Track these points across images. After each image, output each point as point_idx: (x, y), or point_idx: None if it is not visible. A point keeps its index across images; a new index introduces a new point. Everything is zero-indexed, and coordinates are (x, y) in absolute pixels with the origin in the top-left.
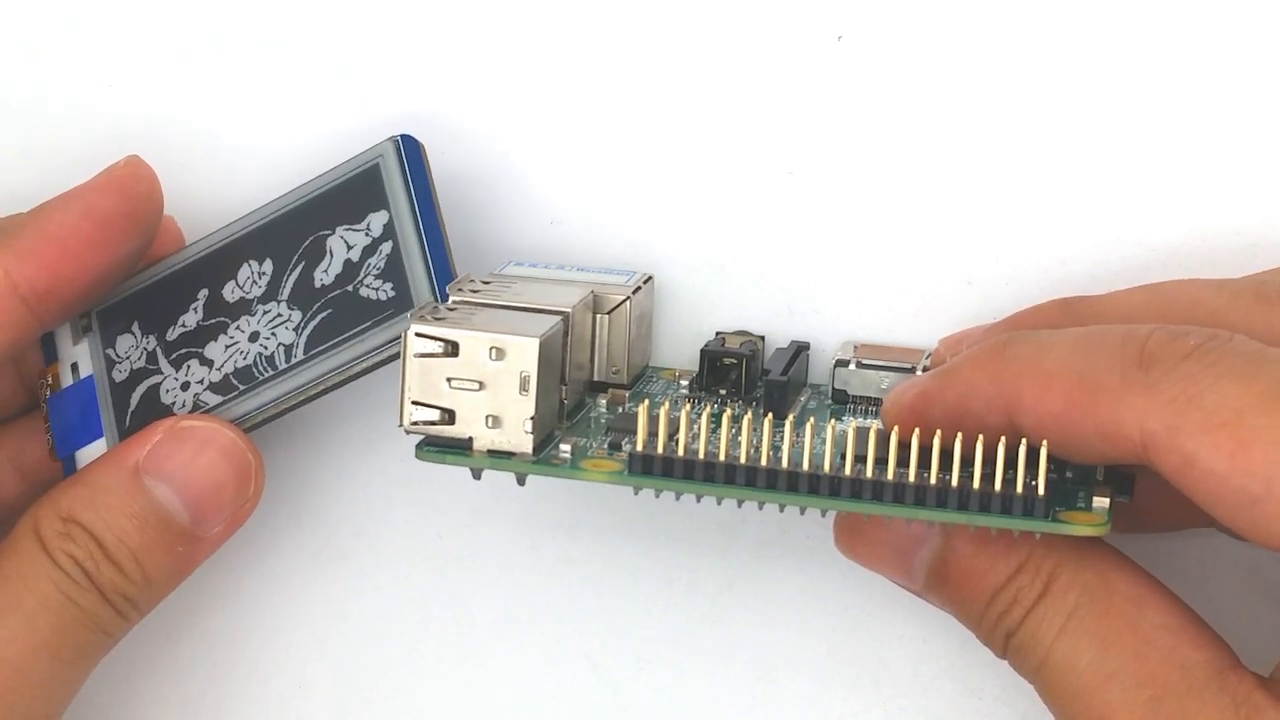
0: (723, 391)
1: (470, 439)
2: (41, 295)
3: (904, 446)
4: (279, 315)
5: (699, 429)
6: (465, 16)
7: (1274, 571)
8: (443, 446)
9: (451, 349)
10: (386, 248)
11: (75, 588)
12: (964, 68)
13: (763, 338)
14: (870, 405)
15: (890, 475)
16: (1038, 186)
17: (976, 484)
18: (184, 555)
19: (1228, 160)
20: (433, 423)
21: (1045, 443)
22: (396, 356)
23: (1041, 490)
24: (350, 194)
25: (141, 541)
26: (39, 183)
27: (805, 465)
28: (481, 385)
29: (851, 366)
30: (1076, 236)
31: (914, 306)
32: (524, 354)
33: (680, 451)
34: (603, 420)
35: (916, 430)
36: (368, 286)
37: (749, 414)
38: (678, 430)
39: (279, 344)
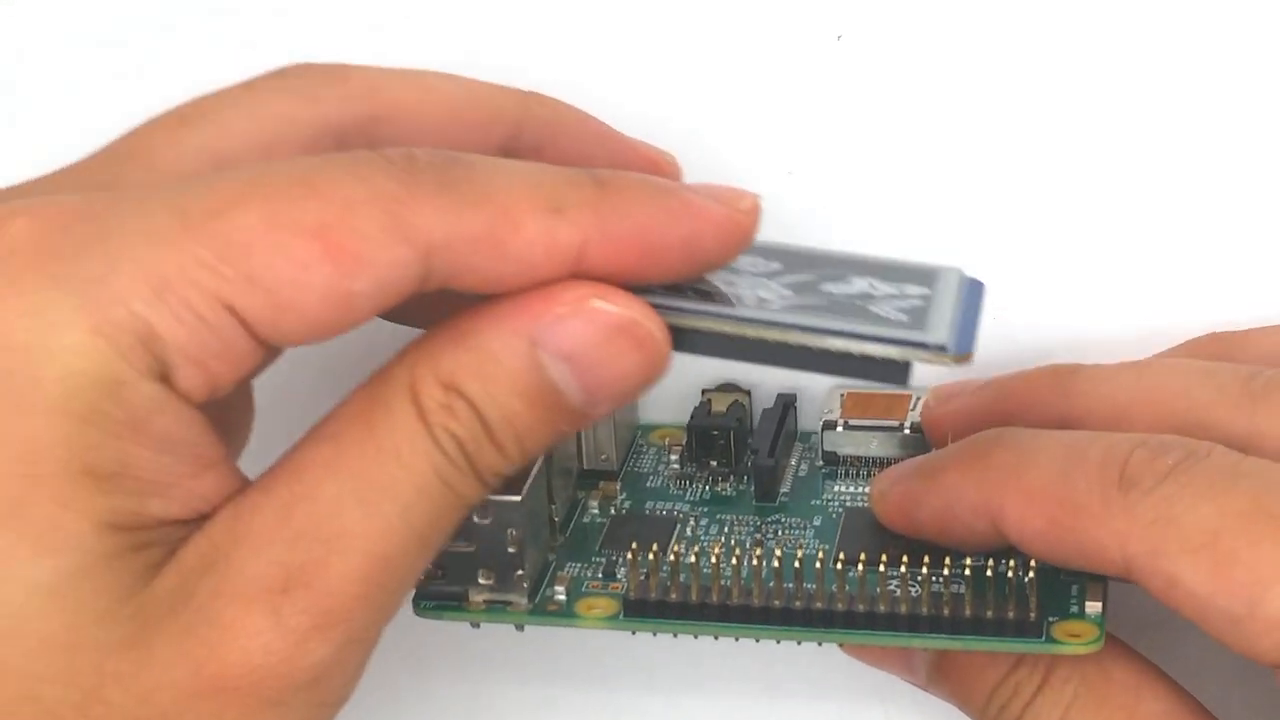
0: (713, 463)
1: (465, 592)
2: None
3: (895, 542)
4: (766, 285)
5: (693, 541)
6: (466, 12)
7: None
8: (439, 601)
9: None
10: (916, 301)
11: (454, 471)
12: (965, 67)
13: (748, 392)
14: (861, 466)
15: (883, 605)
16: (1039, 187)
17: (968, 609)
18: (566, 433)
19: (1230, 173)
20: (427, 579)
21: (1033, 569)
22: (884, 366)
23: (1033, 614)
24: (895, 269)
25: (529, 423)
26: None
27: (798, 600)
28: (470, 540)
29: (839, 429)
30: (1078, 238)
31: None
32: (508, 513)
33: (673, 595)
34: (597, 524)
35: (907, 525)
36: (878, 307)
37: (737, 550)
38: (673, 543)
39: (752, 293)
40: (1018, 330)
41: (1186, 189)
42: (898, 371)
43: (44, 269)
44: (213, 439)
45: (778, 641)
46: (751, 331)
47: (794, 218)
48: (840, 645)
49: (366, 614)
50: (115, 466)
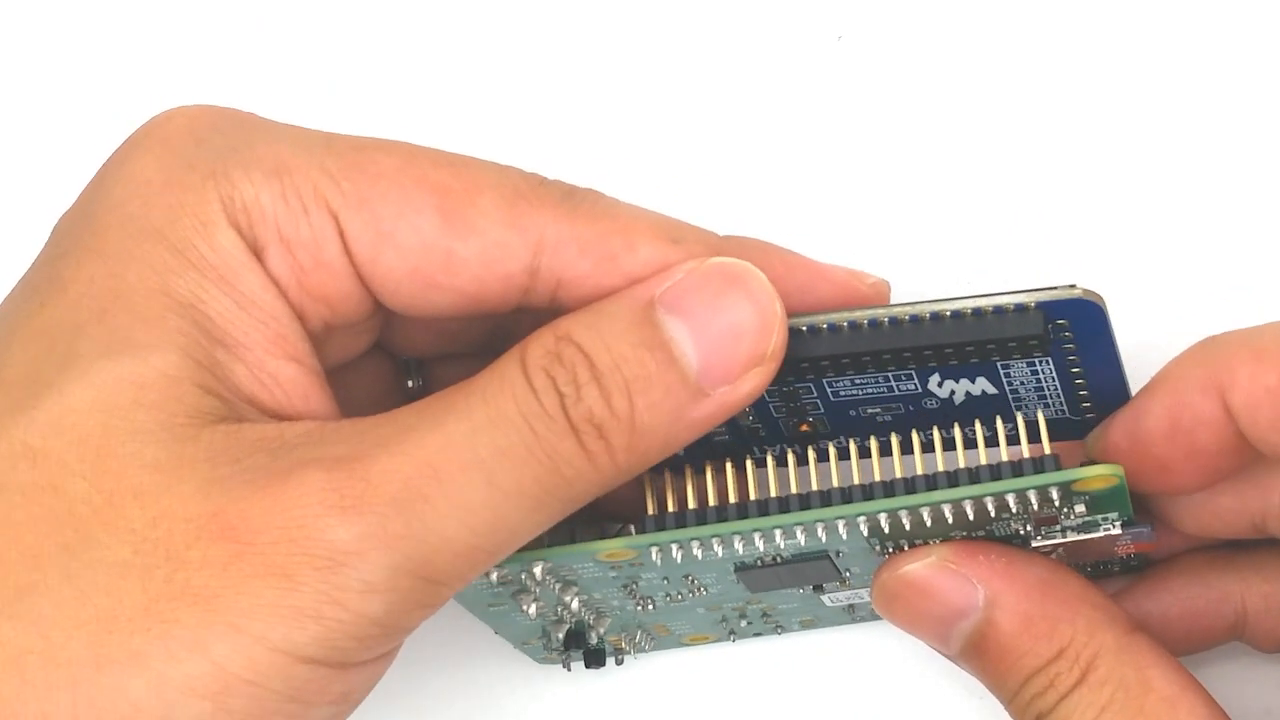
0: None
1: None
2: None
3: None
4: None
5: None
6: (465, 7)
7: None
8: None
9: None
10: None
11: (540, 413)
12: (964, 68)
13: None
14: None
15: (898, 471)
16: (1038, 188)
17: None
18: (678, 408)
19: (1226, 178)
20: None
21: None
22: (1017, 317)
23: (1047, 450)
24: None
25: (639, 373)
26: None
27: (814, 483)
28: None
29: None
30: (1077, 238)
31: None
32: None
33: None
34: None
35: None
36: None
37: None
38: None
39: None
40: None
41: (1188, 189)
42: (1033, 321)
43: (194, 135)
44: (304, 341)
45: (800, 532)
46: (881, 312)
47: (793, 218)
48: (876, 604)
49: (398, 518)
50: (190, 298)
